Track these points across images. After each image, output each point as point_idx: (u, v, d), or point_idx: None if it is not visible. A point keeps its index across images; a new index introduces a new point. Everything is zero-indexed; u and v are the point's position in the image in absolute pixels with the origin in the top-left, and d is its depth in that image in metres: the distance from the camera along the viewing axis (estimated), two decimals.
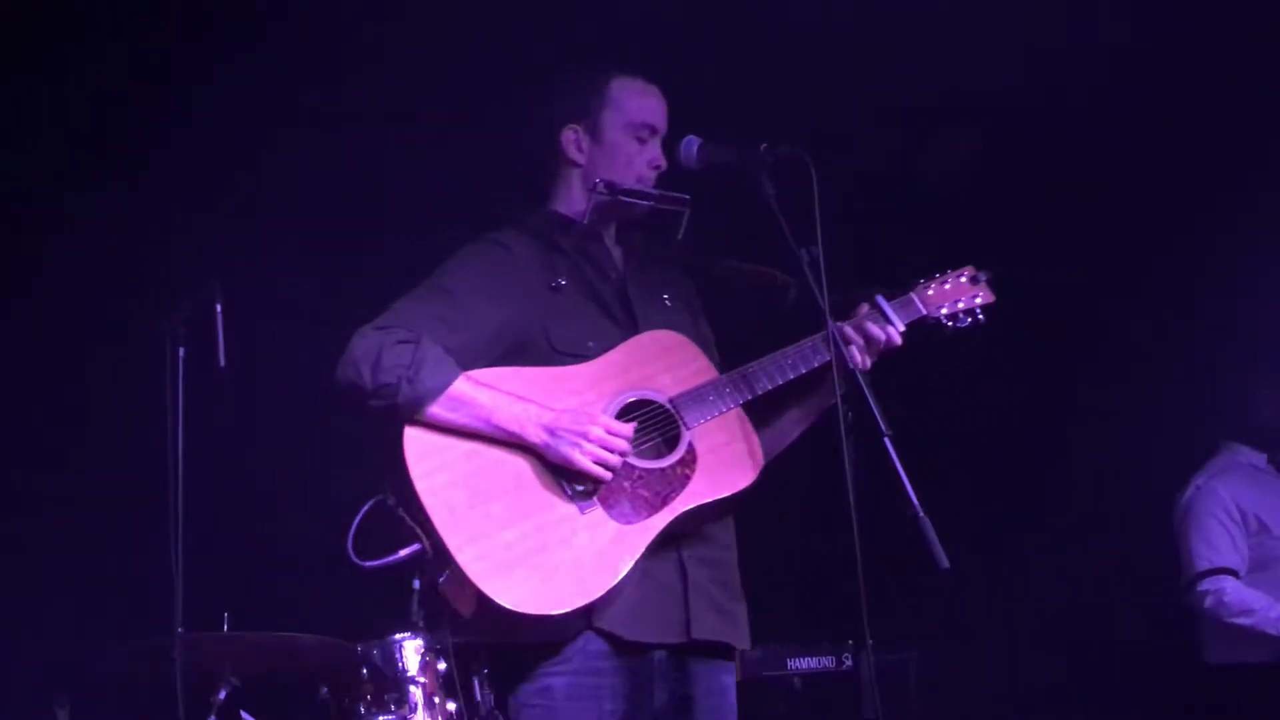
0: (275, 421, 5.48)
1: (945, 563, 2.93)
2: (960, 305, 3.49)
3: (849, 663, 5.32)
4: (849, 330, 3.35)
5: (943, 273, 3.53)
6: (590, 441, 3.17)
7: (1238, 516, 5.41)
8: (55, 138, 5.36)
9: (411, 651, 4.75)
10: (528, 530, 3.15)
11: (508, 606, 3.08)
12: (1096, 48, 5.53)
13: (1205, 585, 5.34)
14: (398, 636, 4.78)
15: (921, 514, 2.94)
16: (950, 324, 3.49)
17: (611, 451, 3.18)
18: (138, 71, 5.33)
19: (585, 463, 3.17)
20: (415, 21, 5.37)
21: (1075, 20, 5.48)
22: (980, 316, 3.51)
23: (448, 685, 4.77)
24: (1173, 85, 5.67)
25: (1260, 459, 5.55)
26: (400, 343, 3.19)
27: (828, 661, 5.33)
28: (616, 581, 3.14)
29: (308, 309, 5.39)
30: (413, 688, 4.71)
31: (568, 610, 3.11)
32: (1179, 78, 5.64)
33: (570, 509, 3.18)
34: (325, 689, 4.74)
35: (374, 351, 3.18)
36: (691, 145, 3.38)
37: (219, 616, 4.53)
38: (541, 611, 3.10)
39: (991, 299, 3.52)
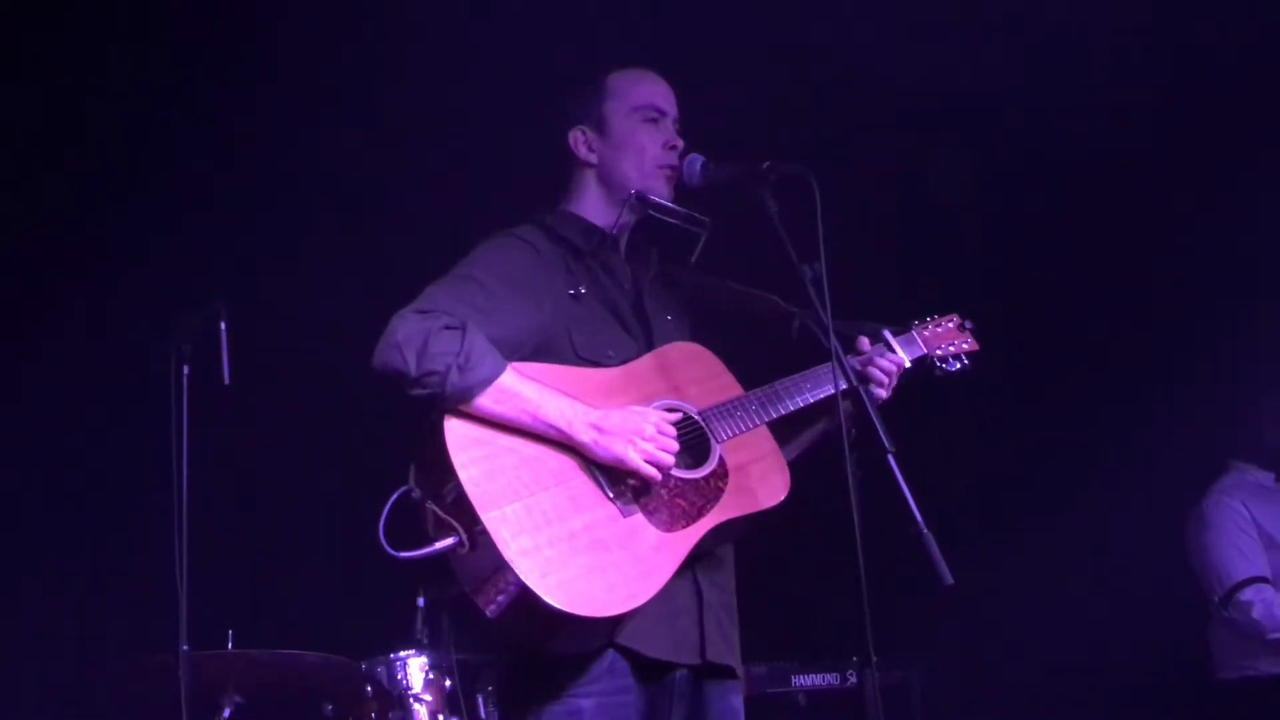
0: (279, 439, 5.49)
1: (949, 579, 2.92)
2: (950, 349, 3.60)
3: (853, 679, 5.32)
4: (875, 371, 3.37)
5: (933, 317, 3.62)
6: (645, 440, 3.06)
7: (1254, 531, 5.38)
8: (63, 155, 5.37)
9: (416, 669, 4.76)
10: (574, 529, 3.00)
11: (556, 606, 2.90)
12: (1100, 59, 5.55)
13: (1248, 595, 5.25)
14: (402, 654, 4.79)
15: (925, 531, 2.93)
16: (941, 365, 3.58)
17: (665, 451, 3.08)
18: (143, 93, 5.36)
19: (637, 460, 3.05)
20: (421, 38, 5.38)
21: (1079, 32, 5.50)
22: (966, 362, 3.62)
23: (452, 703, 4.78)
24: (1176, 101, 5.67)
25: (1268, 478, 5.51)
26: (447, 329, 3.03)
27: (832, 678, 5.34)
28: (659, 590, 3.02)
29: (312, 326, 5.40)
30: (417, 705, 4.71)
31: (614, 614, 2.97)
32: (1183, 92, 5.64)
33: (612, 511, 3.06)
34: (329, 707, 4.73)
35: (419, 337, 3.00)
36: (695, 163, 3.37)
37: (223, 634, 4.53)
38: (588, 613, 2.93)
39: (976, 347, 3.64)
